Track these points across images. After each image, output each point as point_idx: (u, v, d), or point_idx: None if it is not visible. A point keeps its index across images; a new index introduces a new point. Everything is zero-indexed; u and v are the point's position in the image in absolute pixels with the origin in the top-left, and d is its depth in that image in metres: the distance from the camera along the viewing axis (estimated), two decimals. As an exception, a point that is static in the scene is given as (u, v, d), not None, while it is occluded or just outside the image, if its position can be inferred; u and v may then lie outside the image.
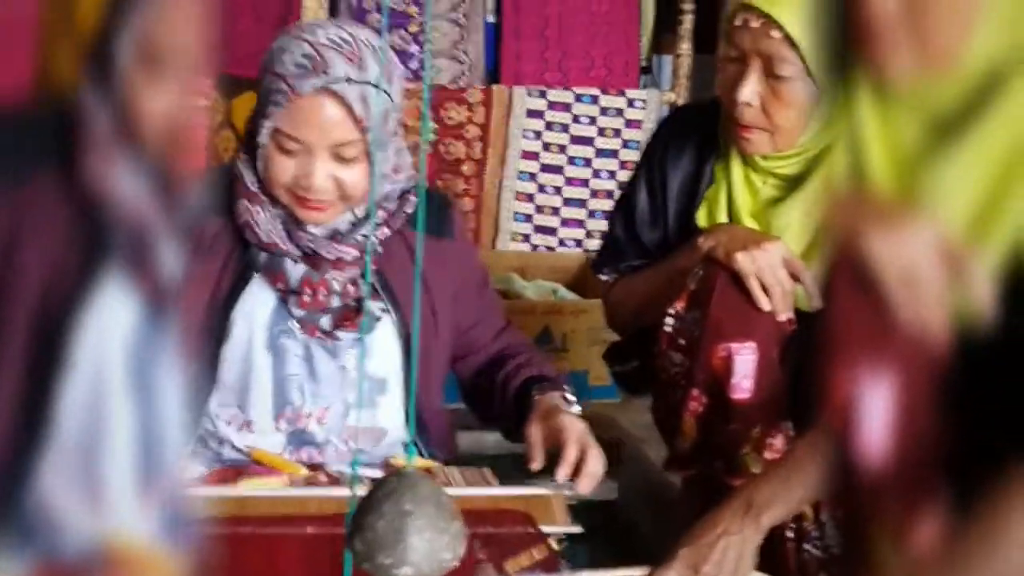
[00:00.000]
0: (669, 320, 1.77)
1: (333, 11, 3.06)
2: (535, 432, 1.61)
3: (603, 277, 1.99)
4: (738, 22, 1.71)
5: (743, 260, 1.71)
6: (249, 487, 1.58)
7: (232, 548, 1.45)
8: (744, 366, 1.71)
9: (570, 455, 1.54)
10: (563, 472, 1.54)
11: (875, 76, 0.88)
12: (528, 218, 3.30)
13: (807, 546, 1.73)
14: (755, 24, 1.69)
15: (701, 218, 1.86)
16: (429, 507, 1.05)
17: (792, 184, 1.81)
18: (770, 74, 1.70)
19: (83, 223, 0.84)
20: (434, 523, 1.05)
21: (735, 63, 1.73)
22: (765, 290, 1.72)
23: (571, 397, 1.69)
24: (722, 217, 1.84)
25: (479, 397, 1.83)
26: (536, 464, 1.58)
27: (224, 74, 2.99)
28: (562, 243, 3.27)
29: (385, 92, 1.58)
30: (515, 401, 1.71)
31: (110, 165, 0.85)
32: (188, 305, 1.61)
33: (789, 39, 1.67)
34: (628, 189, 1.97)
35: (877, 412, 0.85)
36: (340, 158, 1.57)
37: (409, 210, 1.70)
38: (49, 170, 0.87)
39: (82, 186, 0.84)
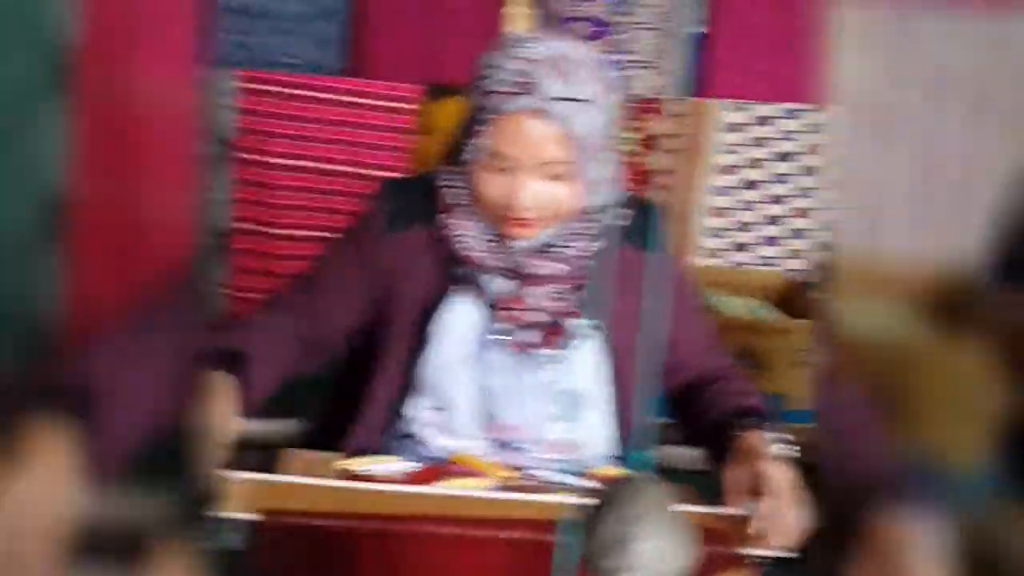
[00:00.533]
0: None
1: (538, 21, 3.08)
2: (734, 478, 1.54)
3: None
4: None
5: None
6: (459, 487, 1.58)
7: (437, 548, 1.46)
8: None
9: (767, 512, 1.47)
10: (755, 528, 1.47)
11: None
12: (721, 234, 3.25)
13: None
14: None
15: None
16: (656, 513, 1.04)
17: None
18: None
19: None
20: (661, 530, 1.04)
21: None
22: None
23: (778, 436, 1.61)
24: None
25: (683, 417, 1.79)
26: (741, 510, 1.51)
27: (432, 84, 3.05)
28: (764, 262, 3.21)
29: (596, 106, 1.55)
30: (716, 427, 1.67)
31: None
32: (396, 309, 1.65)
33: None
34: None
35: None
36: (549, 175, 1.55)
37: (621, 223, 1.67)
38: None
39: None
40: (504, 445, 1.68)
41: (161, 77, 0.90)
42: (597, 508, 1.05)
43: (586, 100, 1.52)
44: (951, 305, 1.02)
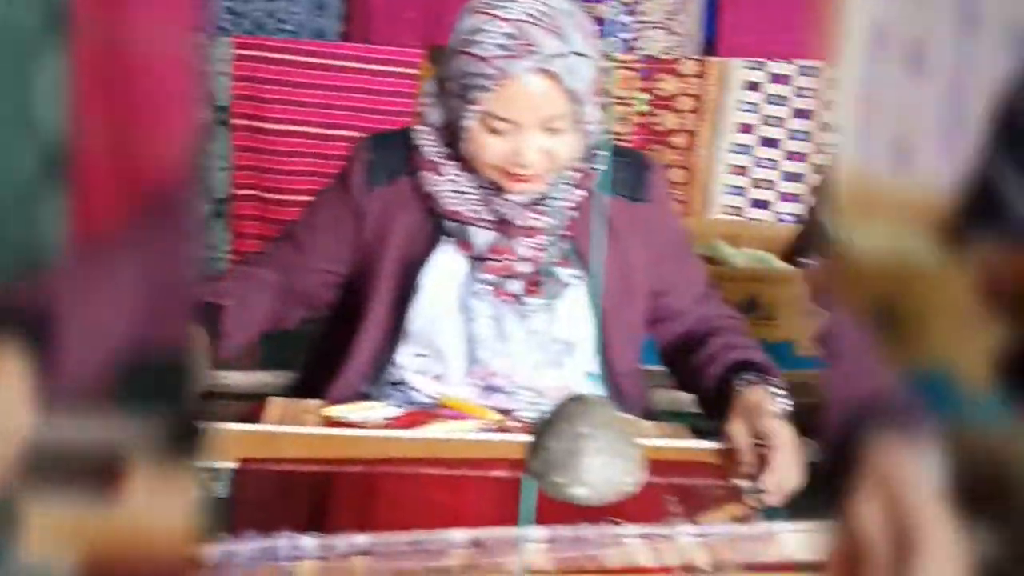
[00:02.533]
0: None
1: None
2: (739, 433, 1.54)
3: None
4: None
5: None
6: (440, 430, 1.58)
7: (421, 489, 1.45)
8: None
9: (776, 467, 1.48)
10: (770, 482, 1.47)
11: None
12: (741, 191, 3.21)
13: None
14: None
15: None
16: (607, 431, 1.01)
17: None
18: None
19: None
20: (612, 446, 1.01)
21: None
22: None
23: (778, 389, 1.60)
24: None
25: (679, 368, 1.78)
26: (747, 469, 1.51)
27: (433, 47, 3.03)
28: (780, 218, 3.17)
29: (587, 57, 1.55)
30: (717, 386, 1.65)
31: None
32: (384, 259, 1.65)
33: None
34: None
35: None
36: (550, 130, 1.55)
37: (600, 167, 1.67)
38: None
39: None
40: (492, 390, 1.67)
41: (159, 20, 0.89)
42: (547, 425, 1.02)
43: (580, 53, 1.53)
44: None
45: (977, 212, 1.00)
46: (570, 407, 1.01)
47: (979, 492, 0.85)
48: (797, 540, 1.47)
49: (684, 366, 1.74)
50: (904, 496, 0.94)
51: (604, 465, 0.99)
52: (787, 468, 1.49)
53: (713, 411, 1.65)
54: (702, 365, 1.69)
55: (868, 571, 0.92)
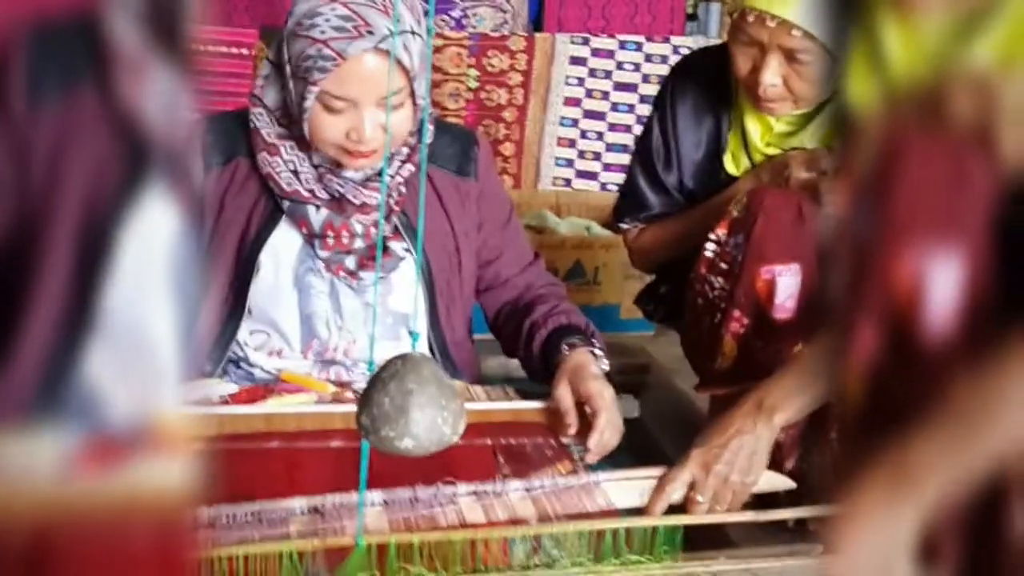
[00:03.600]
0: (710, 245, 1.80)
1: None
2: (564, 395, 1.63)
3: (625, 226, 2.04)
4: (751, 18, 1.75)
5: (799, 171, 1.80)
6: (277, 404, 1.61)
7: (260, 462, 1.49)
8: (788, 287, 1.74)
9: (598, 427, 1.58)
10: (593, 441, 1.58)
11: None
12: (570, 163, 3.31)
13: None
14: (771, 24, 1.73)
15: (728, 164, 1.93)
16: (431, 386, 1.07)
17: (803, 120, 1.87)
18: (790, 60, 1.75)
19: (122, 140, 0.83)
20: (435, 400, 1.07)
21: (752, 47, 1.78)
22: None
23: (599, 351, 1.70)
24: (744, 158, 1.91)
25: (506, 334, 1.85)
26: (572, 430, 1.61)
27: (267, 27, 3.03)
28: (604, 187, 3.28)
29: (417, 34, 1.60)
30: (542, 350, 1.73)
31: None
32: (222, 239, 1.67)
33: (807, 34, 1.72)
34: (643, 135, 2.03)
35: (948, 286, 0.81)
36: (385, 106, 1.58)
37: (428, 140, 1.72)
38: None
39: (116, 104, 0.82)
40: (330, 363, 1.71)
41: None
42: (376, 383, 1.08)
43: (412, 32, 1.58)
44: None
45: None
46: (397, 365, 1.07)
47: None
48: (617, 489, 1.57)
49: (511, 333, 1.82)
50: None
51: (429, 418, 1.05)
52: (608, 427, 1.59)
53: (540, 375, 1.74)
54: (528, 331, 1.77)
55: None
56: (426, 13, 3.09)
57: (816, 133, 1.85)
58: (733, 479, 1.56)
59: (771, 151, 1.88)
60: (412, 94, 1.61)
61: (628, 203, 2.02)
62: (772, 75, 1.76)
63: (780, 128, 1.88)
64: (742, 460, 1.56)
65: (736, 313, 1.77)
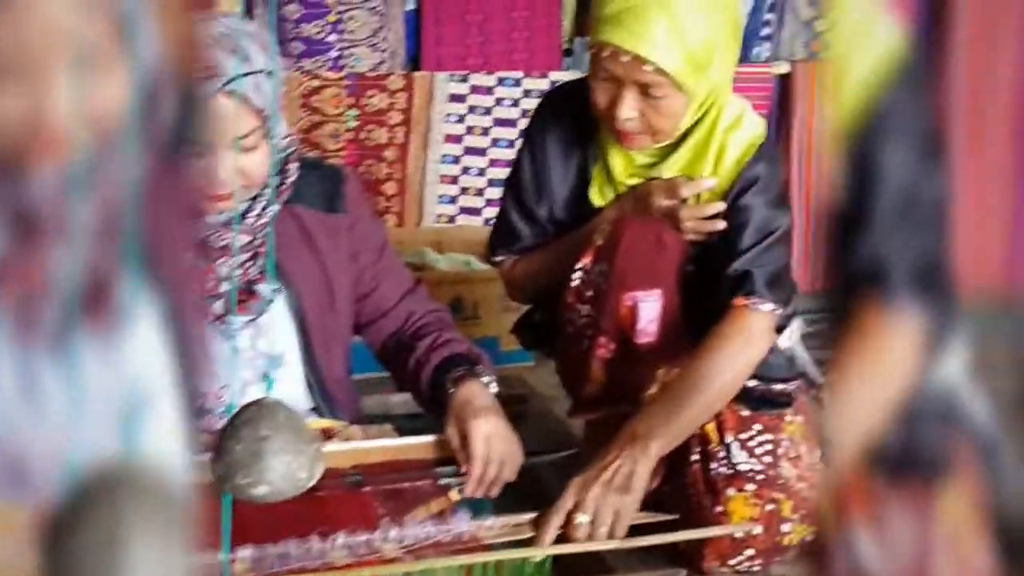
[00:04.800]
0: (577, 274, 1.84)
1: (249, 2, 3.08)
2: (452, 437, 1.68)
3: (499, 259, 2.07)
4: (607, 53, 1.78)
5: (661, 201, 1.85)
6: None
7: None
8: (649, 312, 1.79)
9: (474, 471, 1.64)
10: (469, 489, 1.64)
11: None
12: (453, 199, 3.33)
13: (713, 465, 1.80)
14: (625, 59, 1.76)
15: (594, 195, 1.96)
16: (285, 431, 1.08)
17: (667, 151, 1.91)
18: (645, 94, 1.79)
19: None
20: (290, 445, 1.07)
21: (610, 82, 1.81)
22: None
23: (486, 377, 1.72)
24: (609, 190, 1.94)
25: (393, 369, 1.86)
26: (465, 469, 1.67)
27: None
28: (487, 222, 3.30)
29: (267, 74, 1.60)
30: (431, 388, 1.75)
31: None
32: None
33: (659, 70, 1.75)
34: (515, 168, 2.05)
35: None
36: (241, 148, 1.59)
37: (291, 179, 1.72)
38: None
39: None
40: (206, 412, 1.70)
41: None
42: (229, 430, 1.08)
43: (263, 71, 1.58)
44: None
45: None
46: (250, 412, 1.08)
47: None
48: (491, 525, 1.59)
49: (398, 368, 1.83)
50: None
51: (284, 464, 1.05)
52: (492, 465, 1.63)
53: (432, 411, 1.77)
54: (414, 369, 1.78)
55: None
56: (338, 65, 3.11)
57: (677, 164, 1.89)
58: (611, 499, 1.62)
59: (634, 182, 1.92)
60: (267, 135, 1.61)
61: (501, 235, 2.05)
62: (628, 110, 1.79)
63: (642, 160, 1.92)
64: (619, 480, 1.64)
65: (602, 339, 1.82)
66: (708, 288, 1.83)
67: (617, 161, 1.92)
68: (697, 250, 1.85)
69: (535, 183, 1.98)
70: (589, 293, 1.84)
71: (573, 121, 1.96)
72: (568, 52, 3.45)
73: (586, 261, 1.84)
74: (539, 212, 1.98)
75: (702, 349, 1.77)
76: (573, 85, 2.09)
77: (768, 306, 1.78)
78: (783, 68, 3.46)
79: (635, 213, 1.86)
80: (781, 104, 3.47)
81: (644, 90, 1.77)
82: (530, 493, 1.73)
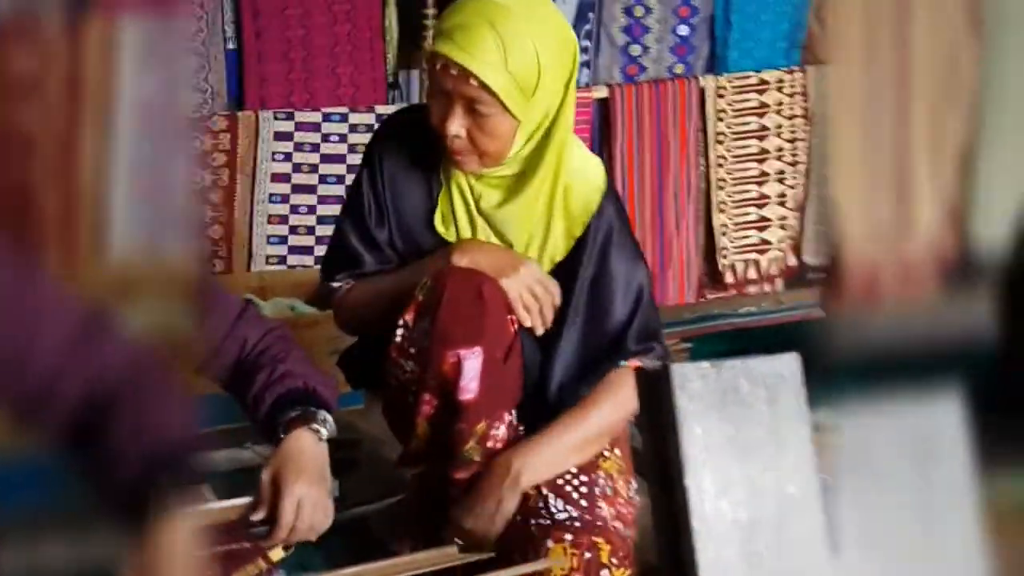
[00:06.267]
0: (400, 331, 1.85)
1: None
2: (266, 488, 1.65)
3: (335, 284, 2.02)
4: (438, 65, 1.80)
5: (509, 285, 1.85)
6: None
7: None
8: (471, 370, 1.81)
9: (277, 534, 1.63)
10: (274, 538, 1.64)
11: None
12: (283, 240, 3.32)
13: (533, 520, 1.85)
14: (454, 72, 1.78)
15: (438, 223, 1.95)
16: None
17: (513, 186, 1.91)
18: (473, 111, 1.80)
19: None
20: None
21: (441, 97, 1.82)
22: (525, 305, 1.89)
23: (319, 421, 1.70)
24: (461, 221, 1.93)
25: (239, 403, 1.81)
26: (256, 516, 1.65)
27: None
28: (318, 262, 3.30)
29: None
30: (268, 429, 1.72)
31: None
32: None
33: (486, 86, 1.78)
34: (354, 191, 2.01)
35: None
36: None
37: None
38: None
39: None
40: None
41: None
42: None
43: None
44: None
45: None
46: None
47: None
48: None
49: (242, 403, 1.79)
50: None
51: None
52: (295, 532, 1.62)
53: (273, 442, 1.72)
54: (252, 407, 1.75)
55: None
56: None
57: (524, 205, 1.89)
58: (471, 526, 1.77)
59: (481, 222, 1.92)
60: None
61: (339, 259, 2.00)
62: (456, 126, 1.81)
63: (491, 198, 1.91)
64: (487, 510, 1.79)
65: (427, 396, 1.84)
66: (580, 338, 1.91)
67: (461, 193, 1.92)
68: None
69: (376, 207, 1.96)
70: (412, 350, 1.85)
71: (416, 146, 1.95)
72: (394, 85, 3.48)
73: (408, 317, 1.84)
74: (379, 236, 1.96)
75: (588, 402, 1.88)
76: (415, 109, 2.10)
77: (648, 362, 1.86)
78: (602, 92, 3.56)
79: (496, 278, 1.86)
80: (602, 128, 3.56)
81: (472, 106, 1.79)
82: (361, 543, 1.75)
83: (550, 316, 1.89)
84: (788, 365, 1.31)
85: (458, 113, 1.80)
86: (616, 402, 1.88)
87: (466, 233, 1.93)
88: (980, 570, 0.93)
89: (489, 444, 1.84)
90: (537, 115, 1.83)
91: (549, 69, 1.81)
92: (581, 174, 1.91)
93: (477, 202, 1.92)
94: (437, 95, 1.83)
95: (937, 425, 0.94)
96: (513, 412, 1.89)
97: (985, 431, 0.97)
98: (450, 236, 1.94)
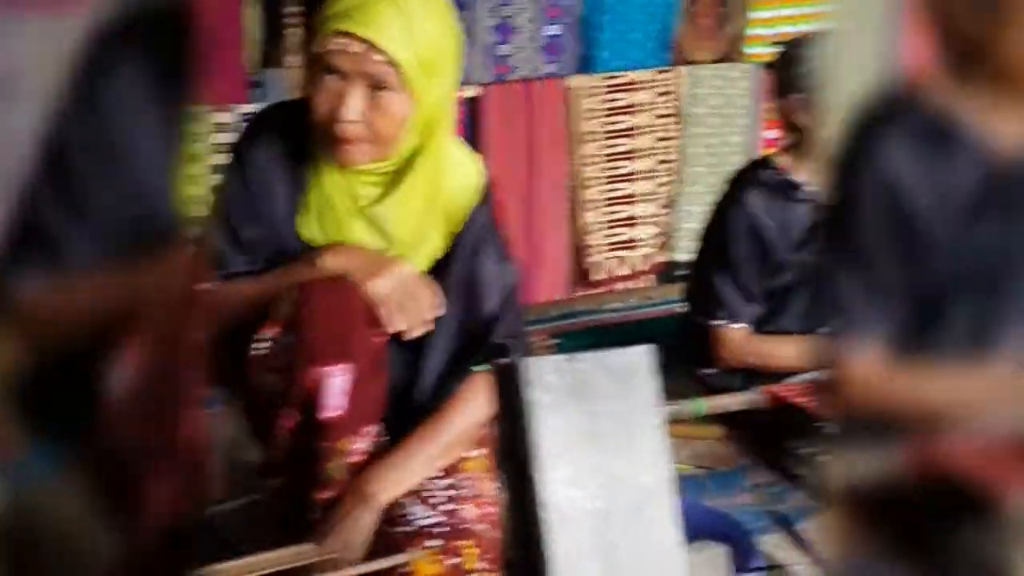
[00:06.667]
0: (261, 345, 1.77)
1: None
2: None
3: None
4: (334, 46, 1.73)
5: (378, 287, 1.80)
6: None
7: None
8: (337, 387, 1.75)
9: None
10: None
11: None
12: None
13: (397, 528, 1.82)
14: (356, 49, 1.72)
15: (304, 225, 1.87)
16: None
17: (392, 181, 1.85)
18: (371, 95, 1.74)
19: None
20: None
21: (333, 81, 1.75)
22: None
23: None
24: (334, 221, 1.86)
25: None
26: None
27: None
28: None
29: None
30: None
31: None
32: None
33: (390, 61, 1.72)
34: (221, 189, 1.92)
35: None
36: None
37: None
38: None
39: None
40: None
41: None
42: None
43: None
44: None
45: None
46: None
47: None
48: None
49: None
50: None
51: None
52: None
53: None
54: None
55: None
56: None
57: (402, 202, 1.84)
58: (332, 547, 1.76)
59: (354, 221, 1.86)
60: None
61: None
62: (353, 110, 1.73)
63: (364, 193, 1.84)
64: (346, 531, 1.77)
65: (288, 411, 1.76)
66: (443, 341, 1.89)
67: (335, 192, 1.85)
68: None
69: (242, 204, 1.87)
70: (275, 364, 1.78)
71: (285, 144, 1.87)
72: (257, 84, 3.41)
73: (273, 331, 1.78)
74: (245, 235, 1.87)
75: (442, 412, 1.85)
76: (285, 106, 1.99)
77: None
78: (472, 91, 3.54)
79: (363, 281, 1.81)
80: (471, 127, 3.55)
81: (371, 85, 1.73)
82: (211, 542, 1.71)
83: (430, 318, 1.84)
84: (641, 358, 1.32)
85: (356, 95, 1.73)
86: (471, 409, 1.86)
87: (339, 234, 1.86)
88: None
89: (352, 459, 1.80)
90: (431, 100, 1.78)
91: (445, 53, 1.78)
92: (460, 172, 1.88)
93: (354, 200, 1.85)
94: (328, 83, 1.75)
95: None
96: (375, 426, 1.85)
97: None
98: (319, 239, 1.87)
